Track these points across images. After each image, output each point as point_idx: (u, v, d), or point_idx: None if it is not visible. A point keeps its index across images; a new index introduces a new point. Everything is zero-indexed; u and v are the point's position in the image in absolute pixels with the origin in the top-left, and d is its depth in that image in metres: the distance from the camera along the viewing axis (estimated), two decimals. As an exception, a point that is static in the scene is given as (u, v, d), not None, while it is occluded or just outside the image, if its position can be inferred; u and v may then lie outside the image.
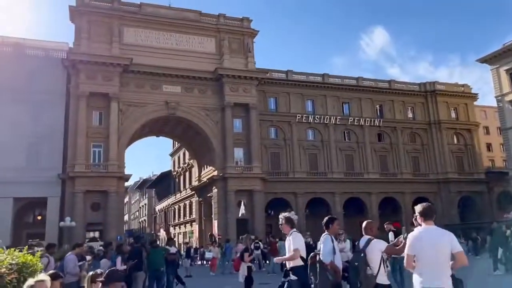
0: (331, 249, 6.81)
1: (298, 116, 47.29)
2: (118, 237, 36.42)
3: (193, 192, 50.99)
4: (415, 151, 52.59)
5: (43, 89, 36.82)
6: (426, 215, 5.21)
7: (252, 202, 40.99)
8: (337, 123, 49.08)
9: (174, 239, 22.65)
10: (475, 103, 57.84)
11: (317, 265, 6.63)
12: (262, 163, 43.64)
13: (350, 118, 49.77)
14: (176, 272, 13.76)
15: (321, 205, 47.77)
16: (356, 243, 7.31)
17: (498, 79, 45.02)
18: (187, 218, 54.64)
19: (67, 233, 34.48)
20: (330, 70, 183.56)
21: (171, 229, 62.88)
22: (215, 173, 41.94)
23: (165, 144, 68.89)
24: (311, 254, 6.95)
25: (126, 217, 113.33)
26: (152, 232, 73.78)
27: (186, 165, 56.26)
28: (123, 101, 39.33)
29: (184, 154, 56.98)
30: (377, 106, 52.22)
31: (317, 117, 48.20)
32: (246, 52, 44.61)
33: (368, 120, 50.24)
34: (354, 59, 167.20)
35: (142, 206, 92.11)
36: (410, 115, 53.70)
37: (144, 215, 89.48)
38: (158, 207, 75.35)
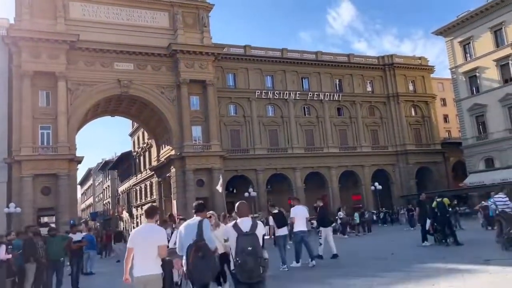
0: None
1: (258, 92, 46.68)
2: (71, 221, 35.10)
3: (153, 172, 49.95)
4: (374, 124, 53.23)
5: (-17, 69, 34.54)
6: (148, 214, 6.06)
7: (211, 180, 40.44)
8: (297, 98, 48.84)
9: (81, 225, 20.60)
10: (432, 75, 58.82)
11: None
12: (222, 141, 43.00)
13: (309, 93, 49.58)
14: (82, 262, 12.87)
15: (282, 180, 47.93)
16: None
17: (452, 51, 45.68)
18: (148, 199, 53.68)
19: (16, 220, 33.01)
20: (297, 45, 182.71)
21: (134, 210, 61.78)
22: (173, 152, 41.03)
23: (127, 123, 66.99)
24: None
25: (91, 200, 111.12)
26: (116, 214, 72.42)
27: (145, 145, 54.94)
28: (72, 80, 37.44)
29: (143, 134, 55.53)
30: (337, 81, 52.21)
31: (276, 93, 47.75)
32: (201, 26, 43.21)
33: (327, 95, 50.22)
34: (321, 34, 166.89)
35: (106, 188, 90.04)
36: (369, 88, 54.07)
37: (108, 197, 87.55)
38: (120, 189, 73.80)
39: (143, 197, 56.91)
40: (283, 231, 12.96)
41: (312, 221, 14.99)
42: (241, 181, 44.92)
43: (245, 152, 45.43)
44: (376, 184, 44.45)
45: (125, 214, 64.61)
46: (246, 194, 39.72)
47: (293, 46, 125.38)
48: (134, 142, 63.01)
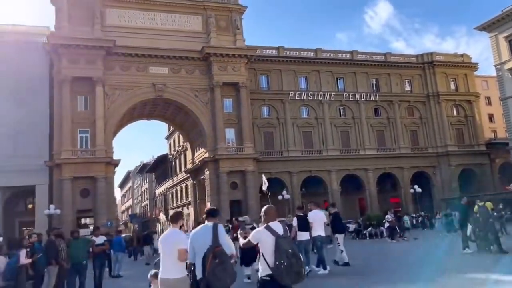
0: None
1: (291, 94, 46.12)
2: (108, 223, 36.01)
3: (188, 175, 50.39)
4: (413, 125, 51.35)
5: (26, 76, 35.98)
6: (172, 220, 6.22)
7: (245, 183, 40.29)
8: (332, 99, 47.88)
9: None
10: (476, 73, 56.17)
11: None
12: (255, 143, 42.76)
13: (345, 93, 48.49)
14: (105, 265, 12.76)
15: (317, 183, 47.05)
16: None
17: (497, 47, 43.31)
18: (184, 201, 54.22)
19: (57, 221, 34.07)
20: (333, 47, 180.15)
21: (170, 212, 62.58)
22: (207, 155, 41.17)
23: (164, 127, 67.96)
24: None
25: (130, 202, 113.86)
26: (153, 216, 73.72)
27: (180, 148, 55.57)
28: (109, 85, 38.36)
29: (178, 137, 56.18)
30: (373, 80, 50.79)
31: (310, 94, 47.00)
32: (234, 29, 43.21)
33: (363, 95, 48.92)
34: (358, 35, 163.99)
35: (144, 190, 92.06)
36: (407, 88, 52.25)
37: (146, 199, 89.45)
38: (158, 191, 75.11)
39: (179, 200, 57.57)
40: (305, 235, 12.45)
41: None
42: (275, 184, 44.31)
43: (279, 154, 44.95)
44: (416, 187, 42.75)
45: (162, 216, 65.61)
46: (280, 197, 39.21)
47: (329, 48, 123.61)
48: (170, 145, 63.94)
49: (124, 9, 40.34)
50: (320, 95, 47.25)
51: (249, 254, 11.38)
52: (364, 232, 29.29)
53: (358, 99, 48.64)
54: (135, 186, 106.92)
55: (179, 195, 57.81)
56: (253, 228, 12.46)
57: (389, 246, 22.44)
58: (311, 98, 47.01)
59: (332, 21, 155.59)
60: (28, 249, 9.86)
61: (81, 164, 35.52)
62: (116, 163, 38.96)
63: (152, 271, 3.26)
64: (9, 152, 34.89)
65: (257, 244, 5.66)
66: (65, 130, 35.69)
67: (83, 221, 40.48)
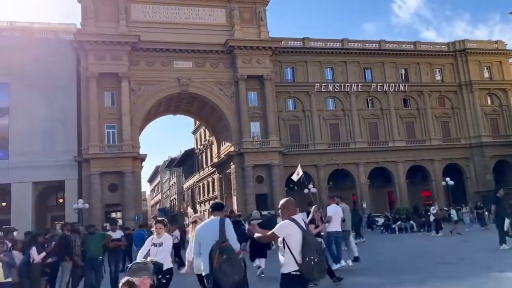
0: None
1: (317, 86, 45.27)
2: (136, 217, 36.49)
3: (214, 169, 50.45)
4: (444, 116, 49.59)
5: (55, 73, 36.59)
6: (213, 210, 6.06)
7: (270, 176, 39.93)
8: (359, 90, 46.75)
9: (118, 221, 19.19)
10: (511, 60, 53.63)
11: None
12: (280, 136, 42.27)
13: (372, 84, 47.24)
14: (121, 260, 12.44)
15: (344, 177, 46.22)
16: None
17: (535, 31, 41.03)
18: (211, 195, 54.38)
19: (86, 215, 34.76)
20: (360, 37, 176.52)
21: (198, 206, 63.04)
22: (232, 149, 41.01)
23: (191, 122, 68.18)
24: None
25: (159, 196, 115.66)
26: (181, 210, 74.44)
27: (207, 142, 55.66)
28: (134, 80, 38.66)
29: (204, 131, 56.30)
30: (402, 70, 49.27)
31: (337, 85, 46.02)
32: (258, 21, 42.70)
33: (392, 85, 47.52)
34: (386, 25, 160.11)
35: (172, 184, 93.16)
36: (438, 77, 50.45)
37: (174, 193, 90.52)
38: (185, 185, 75.78)
39: (206, 194, 57.82)
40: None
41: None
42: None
43: (305, 148, 44.30)
44: (448, 179, 41.27)
45: (189, 210, 66.03)
46: (306, 190, 38.61)
47: (355, 38, 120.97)
48: (196, 139, 64.23)
49: (148, 4, 40.47)
50: (347, 86, 46.19)
51: (259, 249, 11.49)
52: (393, 226, 28.38)
53: (386, 89, 47.30)
54: (163, 181, 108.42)
55: (206, 189, 58.07)
56: (260, 223, 12.26)
57: (421, 240, 21.56)
58: (337, 90, 46.04)
59: (358, 11, 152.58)
60: (46, 245, 9.82)
61: (108, 159, 36.02)
62: (142, 158, 39.33)
63: (124, 279, 2.89)
64: (40, 148, 35.77)
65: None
66: (92, 125, 36.23)
67: (114, 215, 41.03)
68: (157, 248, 7.25)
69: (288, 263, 5.02)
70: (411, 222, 27.33)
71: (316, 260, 4.95)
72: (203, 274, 5.64)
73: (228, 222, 5.70)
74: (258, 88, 41.82)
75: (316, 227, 10.31)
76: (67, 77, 37.36)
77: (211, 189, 54.77)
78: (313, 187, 39.99)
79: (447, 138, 48.95)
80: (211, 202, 53.24)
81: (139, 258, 6.95)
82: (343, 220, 12.64)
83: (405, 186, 46.34)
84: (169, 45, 39.35)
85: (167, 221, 8.25)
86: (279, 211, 5.51)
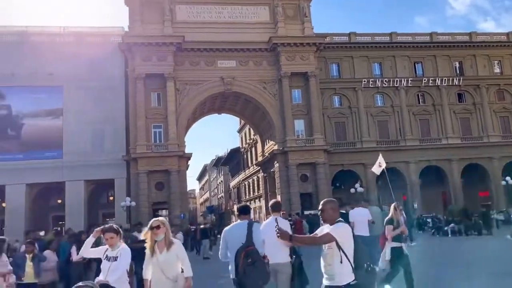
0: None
1: (364, 81, 43.77)
2: (182, 215, 37.00)
3: (259, 167, 50.25)
4: (504, 110, 46.32)
5: (104, 75, 37.86)
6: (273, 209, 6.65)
7: (315, 175, 39.08)
8: (409, 85, 44.69)
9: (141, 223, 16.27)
10: None
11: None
12: (326, 134, 41.28)
13: (424, 79, 44.98)
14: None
15: (394, 175, 44.22)
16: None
17: None
18: (256, 194, 54.28)
19: (134, 213, 35.69)
20: (411, 31, 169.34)
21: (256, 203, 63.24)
22: (276, 147, 40.57)
23: (236, 120, 68.29)
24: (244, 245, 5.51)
25: (207, 194, 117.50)
26: (228, 208, 75.06)
27: (251, 140, 55.59)
28: (179, 80, 39.20)
29: (249, 130, 56.25)
30: (456, 64, 46.54)
31: (385, 81, 44.25)
32: (302, 17, 41.92)
33: (445, 80, 45.01)
34: (440, 17, 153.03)
35: (219, 183, 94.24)
36: (497, 70, 47.22)
37: (221, 191, 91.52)
38: (231, 184, 76.31)
39: (251, 192, 57.80)
40: None
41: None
42: (347, 176, 42.62)
43: (352, 146, 42.98)
44: (508, 178, 38.41)
45: (236, 209, 66.57)
46: (353, 190, 37.50)
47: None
48: (242, 138, 64.41)
49: (192, 4, 40.90)
50: (396, 82, 44.30)
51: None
52: (446, 228, 26.68)
53: (438, 84, 44.87)
54: (211, 179, 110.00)
55: (251, 187, 58.06)
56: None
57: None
58: (386, 85, 44.26)
59: (409, 4, 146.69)
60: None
61: (155, 158, 36.76)
62: (188, 157, 39.82)
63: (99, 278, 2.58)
64: (91, 147, 37.20)
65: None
66: (140, 125, 37.14)
67: (160, 213, 41.93)
68: (110, 264, 5.42)
69: (344, 272, 4.48)
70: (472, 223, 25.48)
71: (372, 265, 4.63)
72: (231, 278, 5.67)
73: (256, 226, 5.74)
74: (302, 85, 41.08)
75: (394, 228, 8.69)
76: (116, 79, 38.55)
77: (256, 188, 54.66)
78: (360, 186, 38.73)
79: (507, 134, 45.66)
80: (256, 201, 53.14)
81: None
82: (373, 222, 11.91)
83: (460, 185, 43.76)
84: (213, 45, 39.52)
85: (139, 226, 7.48)
86: (321, 212, 4.96)
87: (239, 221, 5.96)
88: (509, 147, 44.70)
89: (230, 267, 5.67)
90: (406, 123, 44.04)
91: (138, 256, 11.36)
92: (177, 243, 5.50)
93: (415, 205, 41.29)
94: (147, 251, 5.38)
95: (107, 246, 5.57)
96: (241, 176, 63.90)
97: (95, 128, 37.42)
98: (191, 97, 39.59)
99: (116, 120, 38.09)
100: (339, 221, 4.69)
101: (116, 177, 37.19)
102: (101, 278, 5.28)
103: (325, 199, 5.01)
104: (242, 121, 59.50)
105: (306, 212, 34.73)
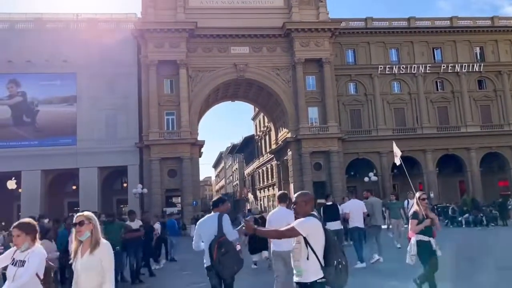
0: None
1: (381, 68, 42.74)
2: (194, 202, 37.05)
3: (272, 155, 49.91)
4: (527, 98, 44.69)
5: (117, 62, 37.75)
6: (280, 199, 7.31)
7: (329, 163, 38.56)
8: (427, 72, 43.47)
9: (138, 212, 15.77)
10: None
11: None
12: (340, 122, 40.61)
13: (443, 65, 43.67)
14: (140, 252, 11.27)
15: (411, 164, 43.35)
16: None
17: None
18: (270, 181, 54.02)
19: (147, 200, 35.91)
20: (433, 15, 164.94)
21: (258, 192, 63.11)
22: (289, 135, 40.10)
23: (251, 108, 67.71)
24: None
25: (223, 182, 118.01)
26: (243, 196, 75.09)
27: (265, 128, 55.18)
28: (192, 67, 38.93)
29: (263, 117, 55.81)
30: (477, 49, 45.04)
31: (402, 67, 43.12)
32: (317, 1, 40.97)
33: (465, 66, 43.63)
34: (464, 1, 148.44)
35: (234, 170, 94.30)
36: (520, 55, 45.46)
37: (236, 179, 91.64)
38: (246, 171, 76.24)
39: (265, 180, 57.60)
40: (333, 226, 11.48)
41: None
42: (362, 165, 41.97)
43: (367, 134, 42.18)
44: (528, 168, 37.24)
45: (250, 196, 66.49)
46: (366, 179, 36.87)
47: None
48: (256, 126, 64.03)
49: (205, -11, 40.32)
50: (414, 68, 43.12)
51: (257, 241, 11.21)
52: (460, 219, 25.94)
53: (458, 70, 43.52)
54: (226, 167, 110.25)
55: (265, 175, 57.84)
56: (261, 218, 11.68)
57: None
58: (403, 72, 43.14)
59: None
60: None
61: (167, 145, 36.75)
62: (201, 144, 39.73)
63: None
64: (104, 134, 37.41)
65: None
66: (152, 112, 37.11)
67: (173, 200, 42.10)
68: (16, 269, 4.20)
69: (311, 269, 4.22)
70: (481, 214, 24.70)
71: (344, 263, 4.30)
72: (205, 266, 6.02)
73: (226, 218, 6.08)
74: (317, 71, 40.35)
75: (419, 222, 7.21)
76: (129, 66, 38.47)
77: (270, 176, 54.40)
78: (374, 175, 38.07)
79: (529, 122, 44.15)
80: (269, 188, 52.82)
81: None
82: (368, 215, 11.82)
83: (479, 175, 42.65)
84: (226, 31, 39.02)
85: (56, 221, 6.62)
86: (293, 205, 4.72)
87: (212, 213, 6.33)
88: (531, 136, 43.25)
89: (204, 256, 6.02)
90: (424, 111, 42.96)
91: (131, 246, 11.29)
92: (105, 245, 4.12)
93: (432, 195, 40.41)
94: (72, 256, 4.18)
95: (15, 247, 4.33)
96: (255, 164, 63.70)
97: (108, 115, 37.58)
98: (203, 84, 39.30)
99: (129, 107, 38.15)
100: (311, 215, 4.36)
101: (129, 164, 37.37)
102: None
103: (299, 192, 4.73)
104: (256, 109, 59.07)
105: (318, 201, 34.30)
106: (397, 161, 15.84)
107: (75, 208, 39.17)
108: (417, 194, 7.65)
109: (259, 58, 39.94)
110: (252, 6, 40.40)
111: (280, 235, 4.75)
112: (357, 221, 11.53)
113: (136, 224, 11.40)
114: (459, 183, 45.61)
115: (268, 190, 54.99)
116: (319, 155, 38.84)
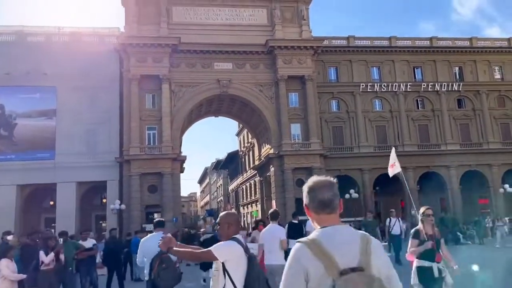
0: None
1: (363, 85, 43.23)
2: (174, 219, 36.48)
3: (255, 171, 49.74)
4: (504, 117, 45.65)
5: (99, 76, 37.40)
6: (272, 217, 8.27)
7: (311, 180, 38.44)
8: (408, 90, 44.12)
9: (87, 232, 13.72)
10: None
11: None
12: (323, 139, 40.76)
13: (423, 84, 44.42)
14: (94, 272, 10.91)
15: (391, 181, 43.48)
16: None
17: None
18: (252, 198, 53.75)
19: (126, 215, 35.28)
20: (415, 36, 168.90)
21: (241, 209, 62.66)
22: (271, 151, 40.05)
23: (235, 124, 67.63)
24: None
25: (208, 197, 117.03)
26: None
27: (249, 144, 55.13)
28: (175, 82, 38.80)
29: (247, 133, 55.81)
30: (456, 69, 45.99)
31: (384, 85, 43.70)
32: (300, 20, 41.49)
33: (445, 85, 44.43)
34: (446, 22, 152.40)
35: (219, 186, 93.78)
36: (497, 76, 46.61)
37: (221, 195, 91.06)
38: (230, 187, 75.83)
39: (248, 196, 57.29)
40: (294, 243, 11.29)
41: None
42: (345, 181, 41.92)
43: (349, 151, 42.41)
44: (506, 186, 37.79)
45: (207, 219, 66.02)
46: (347, 195, 36.88)
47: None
48: (240, 141, 63.97)
49: (189, 6, 40.54)
50: (395, 86, 43.74)
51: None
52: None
53: (438, 89, 44.29)
54: (211, 182, 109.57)
55: (248, 191, 57.55)
56: (212, 238, 11.70)
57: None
58: (384, 90, 43.71)
59: (414, 9, 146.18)
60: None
61: (148, 161, 36.30)
62: (182, 160, 39.39)
63: None
64: (84, 149, 36.74)
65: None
66: (133, 127, 36.73)
67: (154, 216, 41.35)
68: None
69: None
70: (458, 234, 24.82)
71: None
72: (145, 279, 6.87)
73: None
74: (300, 88, 40.61)
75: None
76: (111, 80, 38.14)
77: (253, 192, 54.13)
78: (355, 192, 38.15)
79: (508, 141, 44.97)
80: (252, 205, 52.48)
81: None
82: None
83: (459, 192, 43.09)
84: (209, 47, 39.12)
85: None
86: (217, 227, 4.41)
87: (154, 233, 6.99)
88: (509, 155, 44.02)
89: (145, 271, 6.60)
90: (405, 128, 43.46)
91: (84, 264, 10.84)
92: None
93: (413, 212, 40.53)
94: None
95: None
96: (239, 180, 63.43)
97: (89, 129, 37.04)
98: (186, 99, 39.16)
99: (110, 122, 37.70)
100: (233, 239, 4.05)
101: (108, 179, 36.75)
102: None
103: (224, 212, 4.39)
104: (241, 125, 59.06)
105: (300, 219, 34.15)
106: (392, 172, 15.18)
107: (52, 224, 38.28)
108: (422, 210, 6.41)
109: (243, 74, 40.07)
110: (236, 23, 40.68)
111: (194, 257, 4.56)
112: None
113: (89, 243, 10.91)
114: (440, 201, 45.97)
115: (251, 206, 54.64)
116: (302, 172, 38.76)
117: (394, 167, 15.10)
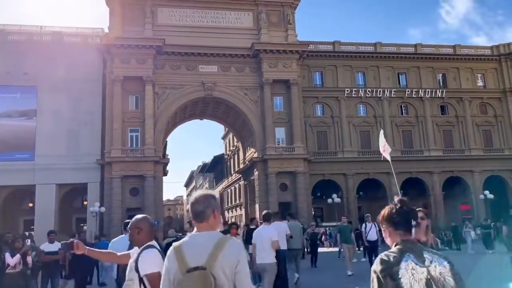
0: None
1: (347, 91, 43.40)
2: (156, 222, 35.94)
3: (240, 175, 49.50)
4: (486, 124, 46.22)
5: (82, 77, 36.92)
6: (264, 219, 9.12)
7: (295, 184, 38.44)
8: (392, 96, 44.45)
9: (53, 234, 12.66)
10: None
11: None
12: (307, 143, 40.75)
13: (407, 90, 44.79)
14: (57, 277, 10.18)
15: (375, 186, 43.85)
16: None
17: None
18: (237, 201, 53.48)
19: (107, 218, 34.74)
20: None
21: (226, 213, 62.29)
22: (255, 155, 39.89)
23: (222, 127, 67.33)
24: None
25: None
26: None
27: (234, 147, 54.91)
28: (159, 84, 38.46)
29: (233, 137, 55.58)
30: (439, 76, 46.52)
31: (368, 91, 43.94)
32: (286, 24, 41.53)
33: (428, 91, 44.86)
34: (433, 30, 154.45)
35: (205, 190, 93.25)
36: (480, 83, 47.22)
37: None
38: (216, 191, 75.42)
39: (233, 200, 56.98)
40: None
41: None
42: (328, 186, 42.04)
43: (333, 155, 42.45)
44: (487, 192, 38.17)
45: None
46: (330, 200, 36.88)
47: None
48: (226, 145, 63.69)
49: (175, 8, 40.31)
50: (379, 92, 44.01)
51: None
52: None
53: (422, 95, 44.69)
54: (197, 186, 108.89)
55: (232, 195, 57.25)
56: (176, 240, 11.34)
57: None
58: (369, 95, 43.95)
59: (403, 17, 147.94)
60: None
61: (130, 163, 35.86)
62: (165, 162, 39.02)
63: None
64: (65, 150, 36.16)
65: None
66: (116, 128, 36.27)
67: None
68: None
69: None
70: (436, 239, 24.87)
71: None
72: (114, 278, 7.29)
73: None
74: (285, 92, 40.58)
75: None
76: (93, 81, 37.66)
77: (237, 196, 53.86)
78: (337, 197, 38.17)
79: (489, 148, 45.53)
80: (236, 209, 52.08)
81: None
82: (291, 237, 11.89)
83: (441, 198, 43.41)
84: (194, 49, 38.91)
85: None
86: (128, 233, 4.01)
87: (123, 235, 6.84)
88: (491, 161, 44.56)
89: (113, 272, 6.98)
90: (389, 134, 43.45)
91: (48, 268, 10.43)
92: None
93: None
94: None
95: None
96: (224, 183, 63.08)
97: (70, 130, 36.49)
98: (170, 102, 38.83)
99: (92, 123, 37.20)
100: (149, 246, 3.58)
101: (89, 181, 36.19)
102: None
103: (137, 216, 3.86)
104: (227, 128, 58.84)
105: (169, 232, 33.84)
106: (386, 155, 14.62)
107: (31, 227, 37.50)
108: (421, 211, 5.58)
109: (228, 77, 39.91)
110: (221, 26, 40.55)
111: (114, 259, 4.60)
112: (280, 244, 11.40)
113: (54, 246, 10.45)
114: (423, 207, 46.16)
115: (236, 210, 54.34)
116: (285, 176, 38.70)
117: (385, 151, 14.97)
